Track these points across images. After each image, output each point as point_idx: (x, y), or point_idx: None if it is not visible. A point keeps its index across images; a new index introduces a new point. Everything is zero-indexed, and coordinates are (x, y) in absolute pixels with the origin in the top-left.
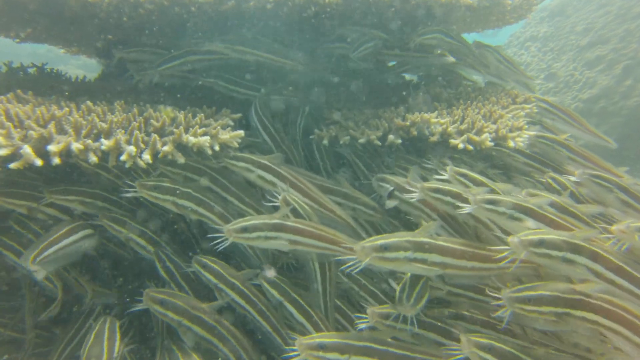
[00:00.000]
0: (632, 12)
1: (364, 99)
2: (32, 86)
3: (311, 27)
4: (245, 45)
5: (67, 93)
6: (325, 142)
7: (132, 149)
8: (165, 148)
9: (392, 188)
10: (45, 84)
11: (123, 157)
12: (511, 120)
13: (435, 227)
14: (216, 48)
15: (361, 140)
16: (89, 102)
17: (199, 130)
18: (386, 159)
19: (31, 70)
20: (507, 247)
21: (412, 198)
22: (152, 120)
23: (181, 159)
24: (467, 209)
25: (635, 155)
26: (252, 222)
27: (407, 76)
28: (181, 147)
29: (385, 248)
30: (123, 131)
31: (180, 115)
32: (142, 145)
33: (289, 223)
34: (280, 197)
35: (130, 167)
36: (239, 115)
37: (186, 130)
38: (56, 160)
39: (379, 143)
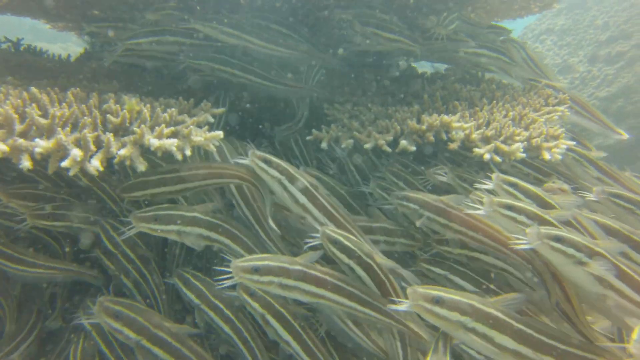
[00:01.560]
0: None
1: (371, 92)
2: None
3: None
4: (236, 29)
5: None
6: (324, 144)
7: (76, 152)
8: (122, 152)
9: (425, 213)
10: (14, 62)
11: (65, 164)
12: (545, 126)
13: (520, 300)
14: (199, 27)
15: (367, 146)
16: (33, 89)
17: (166, 130)
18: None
19: (4, 46)
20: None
21: (477, 212)
22: (109, 116)
23: (142, 166)
24: (525, 243)
25: None
26: (267, 263)
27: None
28: (145, 150)
29: (437, 301)
30: (70, 129)
31: (145, 110)
32: (93, 148)
33: (313, 272)
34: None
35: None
36: (221, 110)
37: (152, 129)
38: None
39: (389, 150)
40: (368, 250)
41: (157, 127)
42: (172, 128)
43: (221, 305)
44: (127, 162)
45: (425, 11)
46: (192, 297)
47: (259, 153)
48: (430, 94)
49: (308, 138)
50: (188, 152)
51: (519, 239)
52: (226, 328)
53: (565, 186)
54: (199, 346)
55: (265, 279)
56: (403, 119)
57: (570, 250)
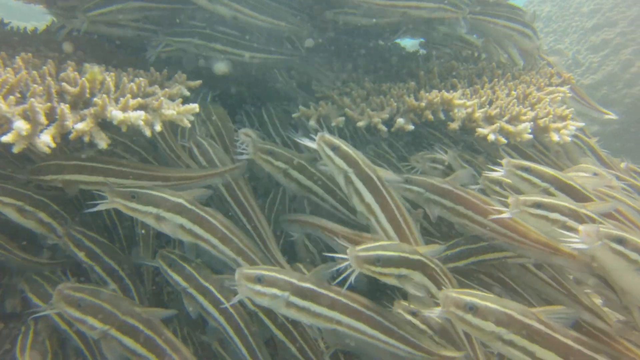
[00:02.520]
0: None
1: (362, 69)
2: None
3: None
4: None
5: None
6: (312, 122)
7: (21, 126)
8: (80, 126)
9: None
10: None
11: (6, 138)
12: (552, 106)
13: (572, 316)
14: None
15: (361, 124)
16: None
17: (132, 102)
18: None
19: None
20: None
21: (504, 216)
22: (65, 84)
23: (103, 142)
24: (578, 242)
25: (636, 145)
26: (274, 275)
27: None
28: (107, 124)
29: (471, 308)
30: (16, 99)
31: (109, 79)
32: (44, 121)
33: (326, 293)
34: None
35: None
36: (197, 82)
37: (117, 101)
38: None
39: (384, 129)
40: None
41: (122, 99)
42: (140, 100)
43: (212, 289)
44: (86, 139)
45: None
46: (179, 279)
47: (327, 137)
48: (427, 71)
49: (294, 115)
50: (158, 128)
51: (570, 237)
52: (217, 314)
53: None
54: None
55: (269, 291)
56: (399, 96)
57: (635, 255)
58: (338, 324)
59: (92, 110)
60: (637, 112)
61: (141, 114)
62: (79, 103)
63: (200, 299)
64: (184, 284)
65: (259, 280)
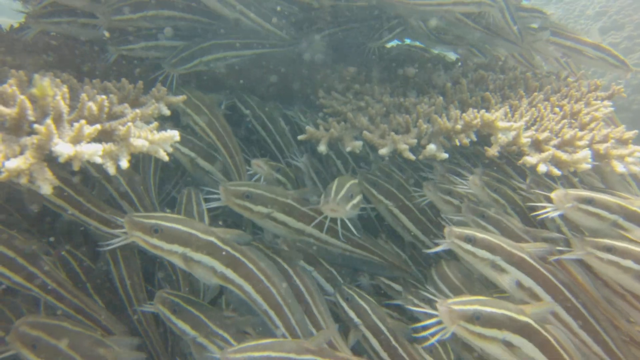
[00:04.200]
0: None
1: (376, 78)
2: None
3: None
4: None
5: None
6: (322, 147)
7: None
8: (13, 164)
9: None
10: None
11: None
12: (607, 127)
13: None
14: None
15: (383, 151)
16: None
17: (89, 130)
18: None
19: None
20: None
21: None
22: None
23: (47, 187)
24: None
25: None
26: (265, 355)
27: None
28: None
29: None
30: None
31: (59, 96)
32: None
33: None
34: None
35: None
36: (181, 97)
37: (70, 124)
38: None
39: (412, 157)
40: None
41: (76, 125)
42: (100, 127)
43: (227, 337)
44: (23, 180)
45: None
46: (186, 328)
47: (463, 231)
48: (455, 82)
49: (300, 137)
50: (124, 163)
51: None
52: None
53: None
54: None
55: None
56: (426, 114)
57: None
58: None
59: (34, 139)
60: None
61: (98, 148)
62: (23, 129)
63: (213, 348)
64: (193, 333)
65: None
